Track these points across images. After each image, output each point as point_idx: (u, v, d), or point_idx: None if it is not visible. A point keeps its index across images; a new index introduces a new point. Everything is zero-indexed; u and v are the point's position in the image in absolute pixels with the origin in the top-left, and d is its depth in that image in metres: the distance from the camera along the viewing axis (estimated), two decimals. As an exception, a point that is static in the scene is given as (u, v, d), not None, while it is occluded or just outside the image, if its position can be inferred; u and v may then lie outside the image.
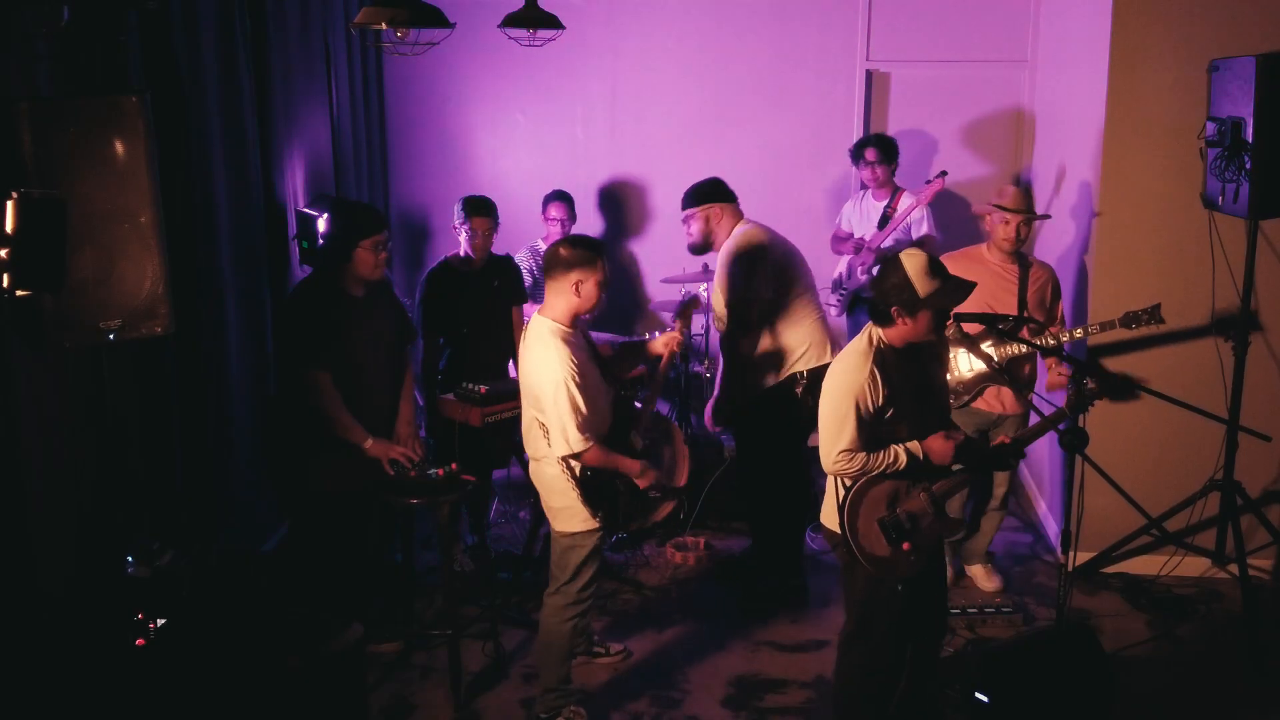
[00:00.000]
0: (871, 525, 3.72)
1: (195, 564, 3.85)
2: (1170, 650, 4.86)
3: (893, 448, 3.67)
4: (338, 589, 4.50)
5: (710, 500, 5.94)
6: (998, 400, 5.03)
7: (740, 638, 4.96)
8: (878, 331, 3.73)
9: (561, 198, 6.29)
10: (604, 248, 4.16)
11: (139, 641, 3.44)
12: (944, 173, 6.02)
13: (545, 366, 4.00)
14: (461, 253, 5.49)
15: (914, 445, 3.68)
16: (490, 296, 5.52)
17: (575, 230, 6.26)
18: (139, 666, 3.42)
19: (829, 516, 3.85)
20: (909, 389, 3.72)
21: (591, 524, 4.15)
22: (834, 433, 3.67)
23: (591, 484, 4.11)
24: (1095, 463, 4.59)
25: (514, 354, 5.59)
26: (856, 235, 6.34)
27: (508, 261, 5.76)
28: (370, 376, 4.51)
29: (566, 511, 4.16)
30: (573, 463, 4.07)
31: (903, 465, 3.68)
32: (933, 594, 4.04)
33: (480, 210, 5.42)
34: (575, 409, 3.96)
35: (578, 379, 3.97)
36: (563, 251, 4.06)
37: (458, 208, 5.45)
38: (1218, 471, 5.06)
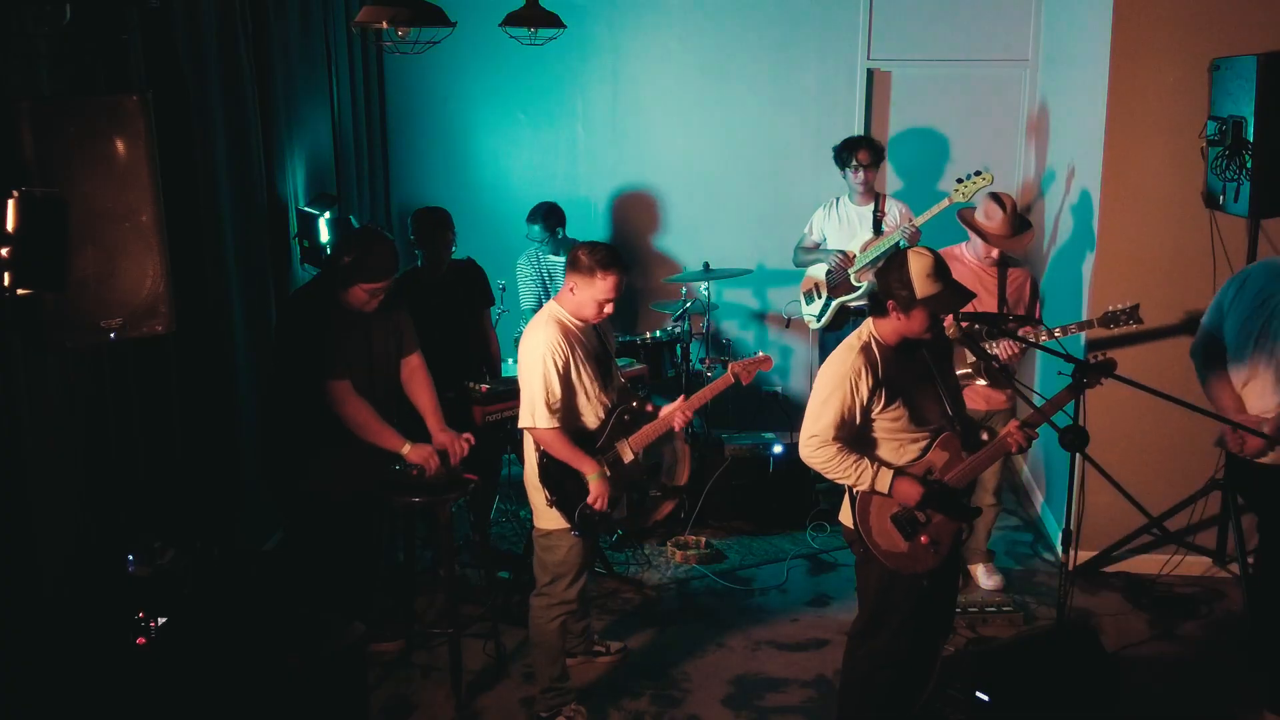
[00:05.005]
0: (885, 522, 3.73)
1: (196, 563, 3.85)
2: (1171, 650, 4.86)
3: (864, 463, 3.67)
4: (339, 588, 4.49)
5: (710, 500, 5.95)
6: (981, 399, 5.04)
7: (741, 637, 4.96)
8: (870, 327, 3.76)
9: (541, 215, 6.24)
10: (615, 262, 4.04)
11: (140, 640, 3.45)
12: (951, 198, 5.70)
13: (531, 343, 4.11)
14: (420, 264, 5.42)
15: (884, 477, 3.68)
16: (457, 304, 5.45)
17: (563, 231, 6.26)
18: (140, 665, 3.43)
19: (845, 515, 3.86)
20: (906, 381, 3.72)
21: (564, 523, 4.16)
22: (812, 418, 3.71)
23: (549, 470, 4.13)
24: (1096, 462, 4.59)
25: (487, 358, 5.56)
26: (832, 245, 6.13)
27: (470, 265, 5.63)
28: (360, 387, 4.45)
29: (541, 507, 4.19)
30: (540, 446, 4.13)
31: (864, 487, 3.70)
32: (950, 591, 4.06)
33: (449, 225, 5.37)
34: (548, 387, 4.03)
35: (558, 361, 4.04)
36: (577, 253, 4.09)
37: (416, 223, 5.35)
38: (1218, 471, 5.06)
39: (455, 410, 4.94)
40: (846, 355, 3.71)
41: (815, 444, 3.69)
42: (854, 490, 3.77)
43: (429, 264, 5.39)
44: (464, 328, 5.47)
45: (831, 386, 3.68)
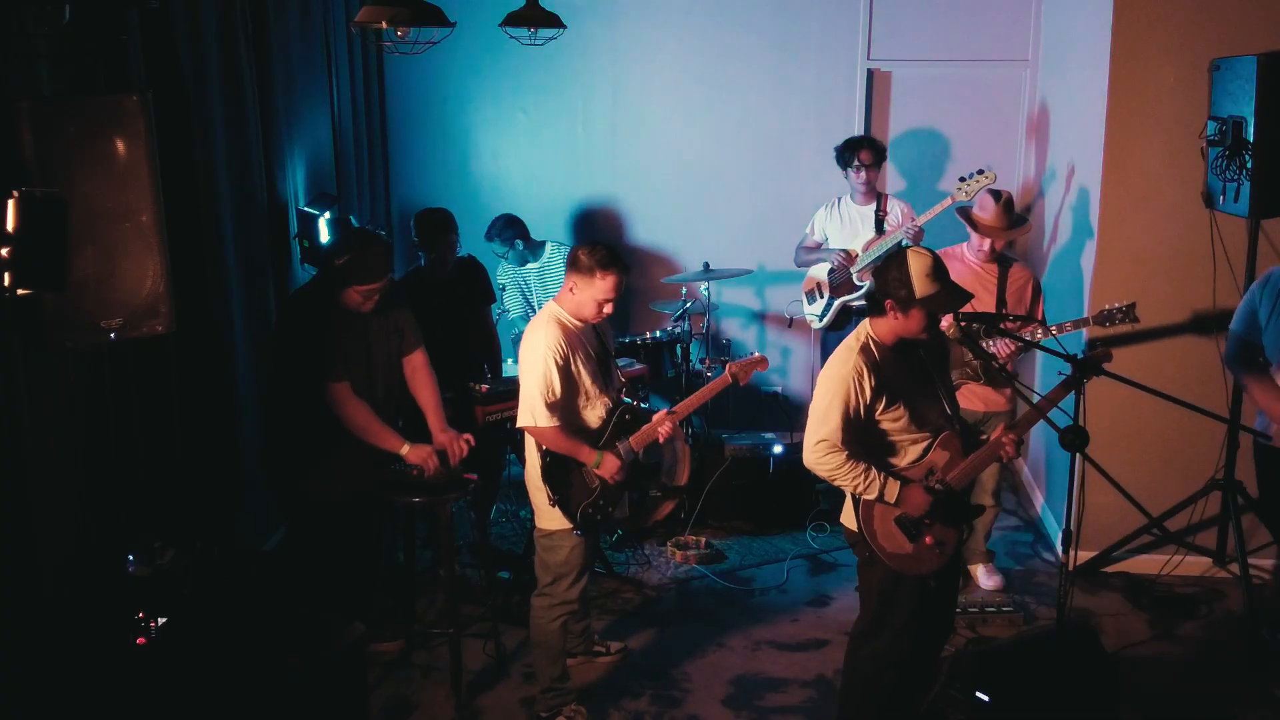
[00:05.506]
0: (889, 525, 3.72)
1: (196, 563, 3.85)
2: (1171, 649, 4.86)
3: (872, 473, 3.65)
4: (339, 588, 4.50)
5: (711, 500, 5.95)
6: (980, 400, 5.04)
7: (741, 637, 4.96)
8: (867, 328, 3.75)
9: (496, 231, 6.22)
10: (615, 263, 4.04)
11: (140, 640, 3.44)
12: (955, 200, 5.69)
13: (531, 342, 4.11)
14: (424, 263, 5.46)
15: (892, 488, 3.67)
16: (459, 303, 5.47)
17: (523, 242, 6.26)
18: (140, 665, 3.43)
19: (848, 517, 3.85)
20: (905, 381, 3.72)
21: (566, 523, 4.16)
22: (817, 423, 3.68)
23: (551, 469, 4.14)
24: (1096, 462, 4.59)
25: (490, 355, 5.57)
26: (834, 245, 6.13)
27: (471, 263, 5.68)
28: (360, 387, 4.45)
29: (543, 507, 4.19)
30: (541, 444, 4.14)
31: (872, 496, 3.68)
32: (951, 590, 4.07)
33: (452, 227, 5.39)
34: (549, 386, 4.03)
35: (559, 361, 4.04)
36: (577, 253, 4.09)
37: (419, 225, 5.40)
38: (1218, 471, 5.07)
39: (457, 410, 4.94)
40: (847, 357, 3.69)
41: (824, 449, 3.65)
42: (858, 497, 3.76)
43: (432, 265, 5.40)
44: (466, 326, 5.49)
45: (835, 389, 3.66)
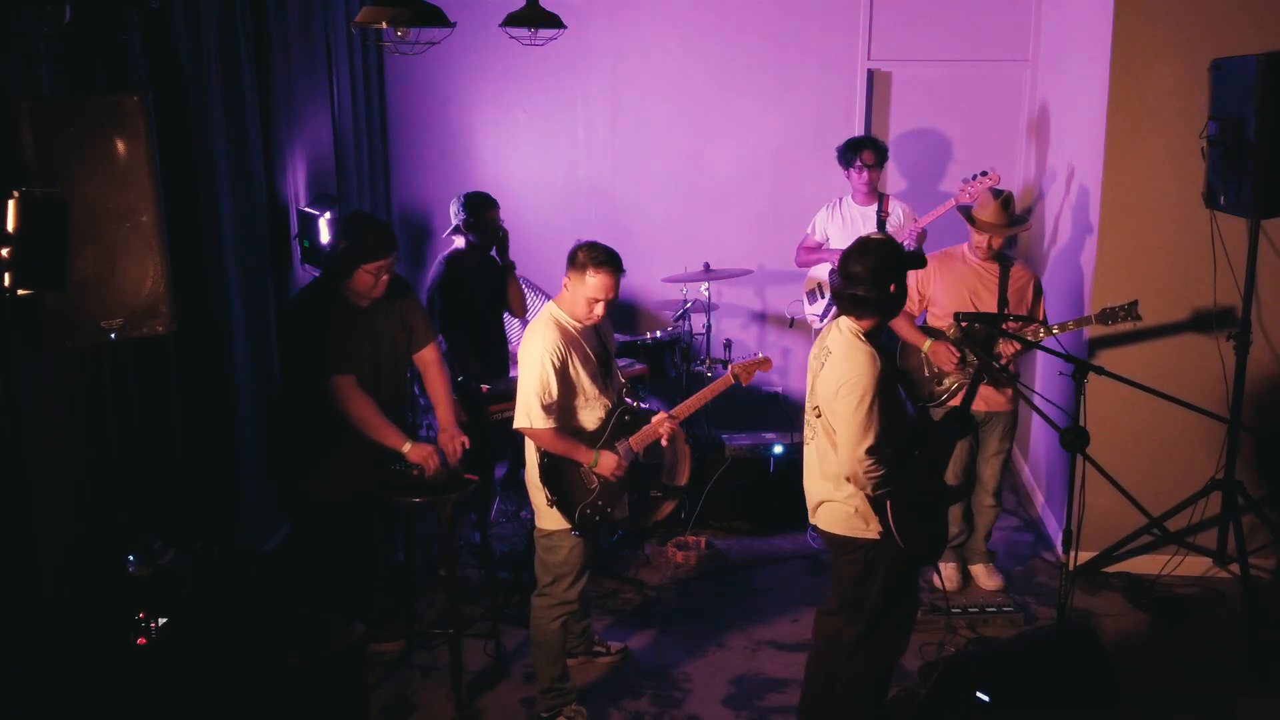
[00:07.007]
0: (908, 524, 3.69)
1: (197, 563, 3.85)
2: (1171, 650, 4.86)
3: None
4: (339, 588, 4.50)
5: (711, 500, 5.95)
6: (980, 399, 5.04)
7: (741, 637, 4.96)
8: (856, 328, 3.67)
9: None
10: (608, 262, 4.01)
11: (140, 640, 3.45)
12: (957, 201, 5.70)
13: (529, 344, 4.10)
14: (464, 246, 5.53)
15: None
16: (483, 299, 5.54)
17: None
18: (140, 666, 3.43)
19: (842, 524, 3.80)
20: (889, 384, 3.72)
21: (565, 524, 4.16)
22: (859, 432, 3.54)
23: (550, 470, 4.14)
24: (1096, 462, 4.59)
25: (503, 354, 5.62)
26: (836, 245, 6.09)
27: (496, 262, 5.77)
28: (365, 384, 4.45)
29: (542, 507, 4.19)
30: (538, 445, 4.14)
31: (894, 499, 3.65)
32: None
33: (493, 204, 5.47)
34: (544, 388, 4.03)
35: (556, 363, 4.04)
36: (575, 250, 4.09)
37: (470, 204, 5.49)
38: (1219, 471, 5.06)
39: (462, 409, 4.96)
40: (869, 364, 3.58)
41: (872, 459, 3.54)
42: (892, 501, 3.66)
43: (473, 248, 5.48)
44: (488, 323, 5.54)
45: (868, 397, 3.54)
